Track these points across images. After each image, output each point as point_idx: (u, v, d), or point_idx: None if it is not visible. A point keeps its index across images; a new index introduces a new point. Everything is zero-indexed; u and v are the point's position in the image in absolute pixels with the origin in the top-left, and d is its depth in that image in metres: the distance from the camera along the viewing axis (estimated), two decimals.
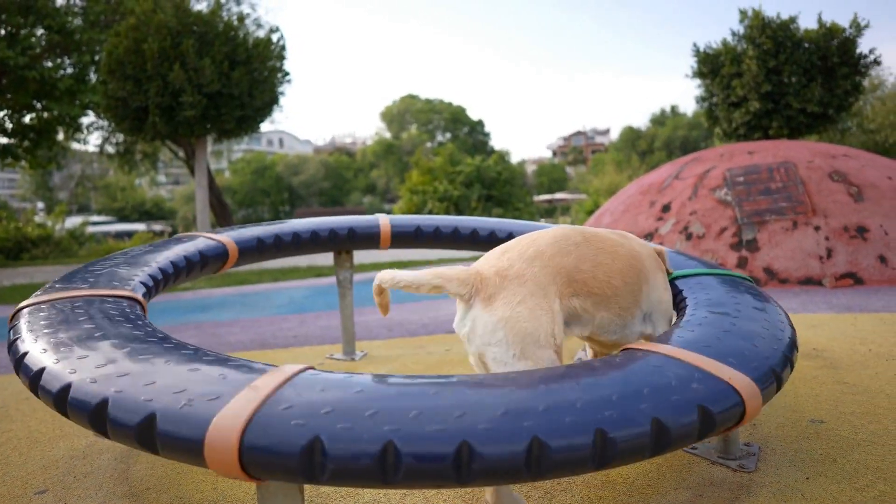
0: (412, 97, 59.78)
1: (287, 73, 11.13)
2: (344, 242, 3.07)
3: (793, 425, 2.08)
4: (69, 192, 48.39)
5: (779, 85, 9.22)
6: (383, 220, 3.16)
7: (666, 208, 6.85)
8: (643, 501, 1.59)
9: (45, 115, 15.88)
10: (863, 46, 9.38)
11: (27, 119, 16.18)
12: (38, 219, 23.05)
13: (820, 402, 2.31)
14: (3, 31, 14.39)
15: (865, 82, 10.01)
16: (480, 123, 58.06)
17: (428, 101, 58.98)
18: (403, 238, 3.16)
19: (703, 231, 6.27)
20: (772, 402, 2.30)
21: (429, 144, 53.62)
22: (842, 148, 7.22)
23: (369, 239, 3.11)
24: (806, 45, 9.22)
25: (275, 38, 10.82)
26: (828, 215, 5.93)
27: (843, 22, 9.39)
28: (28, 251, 19.02)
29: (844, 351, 3.08)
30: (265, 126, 12.21)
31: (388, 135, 59.67)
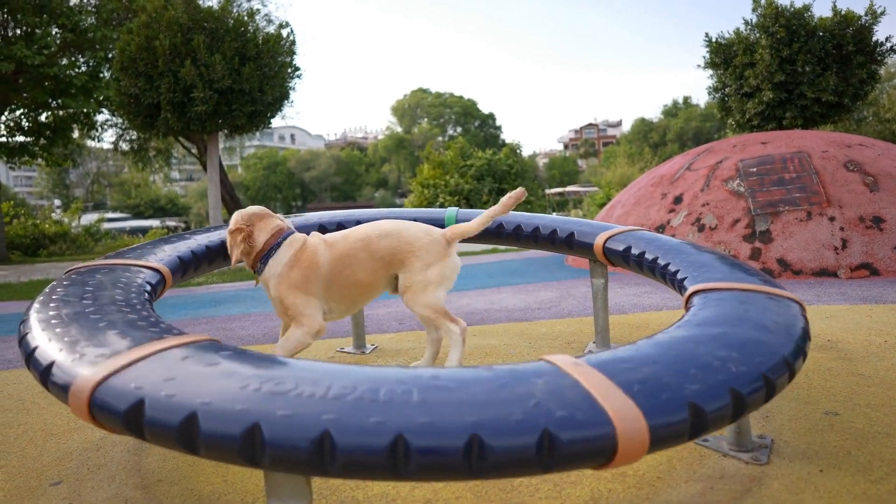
0: (423, 91, 59.72)
1: (298, 69, 11.15)
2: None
3: (806, 417, 2.05)
4: (85, 189, 48.94)
5: (792, 74, 9.09)
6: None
7: (678, 200, 6.80)
8: (653, 494, 1.58)
9: (61, 113, 16.04)
10: (879, 34, 9.22)
11: (43, 117, 16.37)
12: (54, 216, 23.35)
13: (834, 393, 2.28)
14: (19, 31, 14.55)
15: (881, 71, 9.83)
16: (491, 117, 57.92)
17: (439, 95, 58.89)
18: None
19: (716, 223, 6.21)
20: (785, 394, 2.28)
21: (440, 138, 53.52)
22: (857, 137, 7.11)
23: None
24: (820, 33, 9.07)
25: (285, 33, 10.83)
26: (843, 206, 5.85)
27: (859, 9, 9.20)
28: (45, 248, 19.26)
29: (860, 342, 3.05)
30: (277, 122, 12.27)
31: (399, 129, 59.64)
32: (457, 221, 3.16)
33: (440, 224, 3.16)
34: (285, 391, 1.12)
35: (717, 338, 1.45)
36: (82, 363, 1.31)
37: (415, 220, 3.06)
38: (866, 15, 9.07)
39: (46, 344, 1.43)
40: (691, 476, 1.66)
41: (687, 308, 1.88)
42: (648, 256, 2.57)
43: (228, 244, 2.39)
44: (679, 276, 2.23)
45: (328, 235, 2.45)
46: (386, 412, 1.05)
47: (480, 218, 2.50)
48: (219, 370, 1.21)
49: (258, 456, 1.06)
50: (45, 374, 1.35)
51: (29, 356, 1.44)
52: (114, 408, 1.19)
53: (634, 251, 2.66)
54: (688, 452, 1.81)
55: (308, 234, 2.46)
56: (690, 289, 1.99)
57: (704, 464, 1.73)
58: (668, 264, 2.39)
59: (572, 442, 1.05)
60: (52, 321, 1.54)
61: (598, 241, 2.84)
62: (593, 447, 1.07)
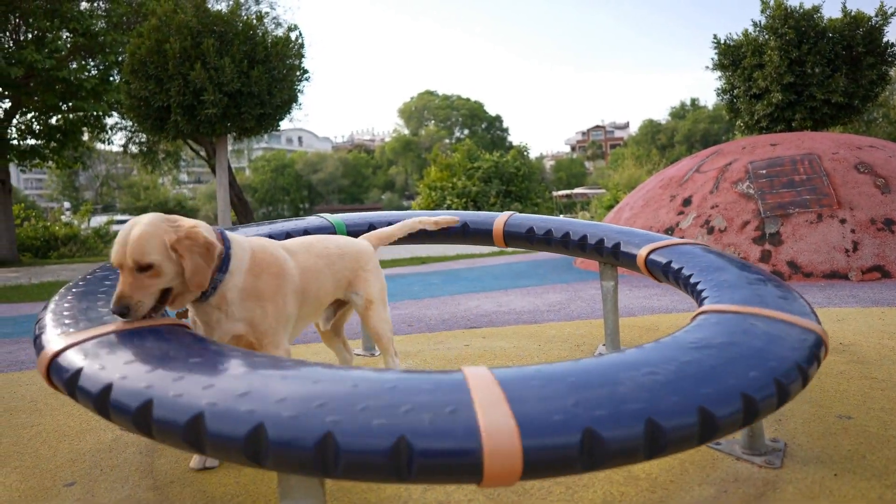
0: (430, 93, 59.84)
1: (306, 71, 11.19)
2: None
3: (819, 421, 2.04)
4: (94, 191, 49.28)
5: (802, 76, 9.04)
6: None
7: (687, 202, 6.77)
8: (666, 497, 1.57)
9: (71, 116, 16.17)
10: (890, 35, 9.17)
11: (54, 120, 16.50)
12: (64, 218, 23.51)
13: (847, 397, 2.27)
14: (30, 35, 14.68)
15: (892, 72, 9.76)
16: (498, 119, 57.96)
17: (446, 98, 58.99)
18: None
19: (725, 225, 6.19)
20: (797, 397, 2.26)
21: (447, 140, 53.59)
22: (867, 139, 7.06)
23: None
24: (830, 34, 9.02)
25: (293, 36, 10.88)
26: (854, 207, 5.81)
27: (869, 10, 9.16)
28: (56, 250, 19.39)
29: (872, 345, 3.02)
30: (284, 124, 12.29)
31: (406, 131, 59.76)
32: (346, 230, 3.11)
33: (330, 232, 3.06)
34: (607, 398, 1.12)
35: (745, 273, 2.00)
36: (465, 419, 1.02)
37: (288, 232, 2.93)
38: (877, 16, 9.01)
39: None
40: (704, 479, 1.65)
41: (647, 264, 2.56)
42: (557, 234, 2.97)
43: (191, 267, 1.57)
44: (608, 243, 2.79)
45: (275, 242, 1.98)
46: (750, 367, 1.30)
47: (406, 223, 2.60)
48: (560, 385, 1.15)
49: (593, 459, 1.07)
50: (401, 451, 0.99)
51: (325, 440, 1.01)
52: (561, 445, 1.03)
53: (538, 231, 3.02)
54: (700, 456, 1.80)
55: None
56: (642, 251, 2.61)
57: (717, 467, 1.72)
58: (585, 236, 2.90)
59: (819, 357, 1.45)
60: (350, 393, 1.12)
61: (497, 225, 3.12)
62: (822, 355, 1.47)
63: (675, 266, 2.47)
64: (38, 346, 1.45)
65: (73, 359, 1.34)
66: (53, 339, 1.44)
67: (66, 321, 1.52)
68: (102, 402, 1.21)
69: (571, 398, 1.09)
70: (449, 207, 22.25)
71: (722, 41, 9.96)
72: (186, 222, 1.65)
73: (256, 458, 1.05)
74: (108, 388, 1.21)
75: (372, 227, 3.18)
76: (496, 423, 1.01)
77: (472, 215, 3.25)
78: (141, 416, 1.16)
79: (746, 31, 9.77)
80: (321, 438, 1.00)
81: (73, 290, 1.82)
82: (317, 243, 2.12)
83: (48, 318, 1.57)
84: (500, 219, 3.16)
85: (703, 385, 1.18)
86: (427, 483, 1.01)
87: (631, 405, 1.09)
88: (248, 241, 1.84)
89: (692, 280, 2.27)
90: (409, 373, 1.19)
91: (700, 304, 1.92)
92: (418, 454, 0.99)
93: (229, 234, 1.80)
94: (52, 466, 1.97)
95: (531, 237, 3.06)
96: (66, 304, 1.67)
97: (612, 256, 2.82)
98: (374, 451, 0.99)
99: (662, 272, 2.58)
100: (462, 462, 0.99)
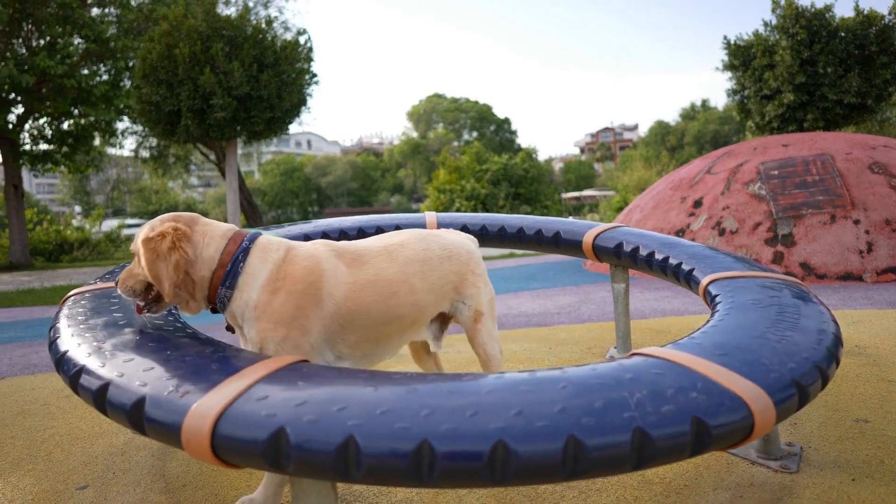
0: (438, 96, 59.88)
1: (314, 75, 11.22)
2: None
3: (836, 425, 2.01)
4: (105, 195, 49.69)
5: (814, 76, 8.97)
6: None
7: (698, 203, 6.73)
8: (680, 502, 1.55)
9: (83, 121, 16.30)
10: None
11: (65, 126, 16.65)
12: (76, 222, 23.67)
13: (864, 400, 2.24)
14: (42, 42, 14.82)
15: None
16: (507, 121, 57.90)
17: (454, 100, 59.02)
18: None
19: (737, 226, 6.14)
20: (813, 401, 2.23)
21: (455, 143, 53.61)
22: (881, 138, 6.99)
23: None
24: (842, 33, 8.94)
25: (302, 40, 10.92)
26: (868, 208, 5.75)
27: (882, 9, 9.09)
28: (68, 253, 19.54)
29: (888, 348, 2.98)
30: (293, 128, 12.35)
31: (414, 134, 59.83)
32: None
33: None
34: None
35: (698, 248, 2.40)
36: None
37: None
38: (890, 14, 8.93)
39: None
40: (719, 484, 1.63)
41: (595, 249, 2.75)
42: (492, 229, 3.17)
43: (146, 270, 1.45)
44: (547, 234, 2.96)
45: (344, 245, 1.68)
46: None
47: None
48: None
49: (802, 401, 1.27)
50: (695, 429, 1.11)
51: None
52: (789, 394, 1.24)
53: (473, 228, 3.18)
54: (715, 460, 1.78)
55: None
56: (587, 236, 2.80)
57: (732, 472, 1.70)
58: (521, 228, 3.09)
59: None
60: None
61: (429, 226, 3.18)
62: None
63: (628, 248, 2.64)
64: (170, 411, 1.18)
65: (255, 416, 1.10)
66: (186, 401, 1.17)
67: (183, 377, 1.26)
68: (342, 457, 1.03)
69: (767, 358, 1.29)
70: (458, 210, 22.24)
71: (732, 42, 9.90)
72: (181, 220, 1.58)
73: (570, 471, 1.04)
74: (348, 440, 1.03)
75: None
76: (747, 391, 1.18)
77: (403, 218, 3.32)
78: (414, 461, 1.01)
79: (757, 31, 9.71)
80: (634, 435, 1.06)
81: (120, 332, 1.52)
82: (412, 243, 1.77)
83: (138, 382, 1.27)
84: (430, 219, 3.24)
85: (827, 335, 1.48)
86: (713, 450, 1.15)
87: (804, 355, 1.34)
88: (281, 246, 1.57)
89: (657, 257, 2.46)
90: (618, 365, 1.25)
91: (689, 275, 2.14)
92: (712, 428, 1.12)
93: (265, 240, 1.57)
94: (65, 469, 1.98)
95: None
96: (150, 356, 1.37)
97: (552, 245, 2.96)
98: (678, 434, 1.09)
99: (614, 254, 2.72)
100: (742, 426, 1.15)
